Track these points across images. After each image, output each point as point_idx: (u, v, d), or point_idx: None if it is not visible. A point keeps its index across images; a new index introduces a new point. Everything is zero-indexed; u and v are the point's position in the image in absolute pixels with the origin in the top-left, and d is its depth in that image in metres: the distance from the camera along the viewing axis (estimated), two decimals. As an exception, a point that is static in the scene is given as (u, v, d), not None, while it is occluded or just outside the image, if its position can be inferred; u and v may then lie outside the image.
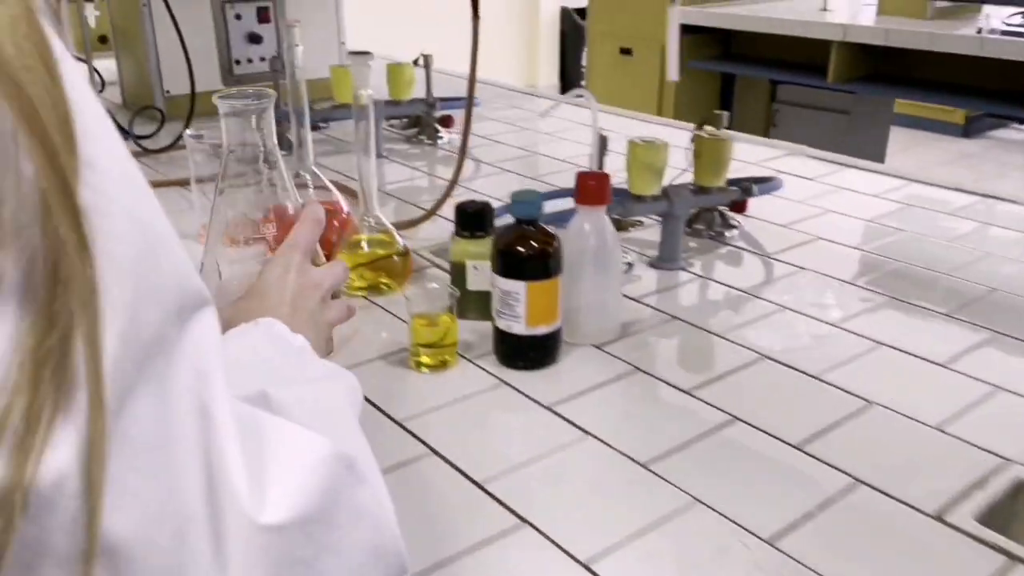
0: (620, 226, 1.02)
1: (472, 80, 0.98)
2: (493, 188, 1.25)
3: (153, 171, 1.38)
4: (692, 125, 1.06)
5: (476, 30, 0.95)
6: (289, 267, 0.63)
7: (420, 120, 1.55)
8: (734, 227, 1.09)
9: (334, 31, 1.82)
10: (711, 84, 3.96)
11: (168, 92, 1.65)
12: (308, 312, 0.62)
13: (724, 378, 0.76)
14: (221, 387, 0.35)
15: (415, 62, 1.51)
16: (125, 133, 1.51)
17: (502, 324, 0.77)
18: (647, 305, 0.90)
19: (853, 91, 3.37)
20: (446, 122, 1.54)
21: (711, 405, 0.72)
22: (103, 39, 2.24)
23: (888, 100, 3.67)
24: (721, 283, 0.96)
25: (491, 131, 1.61)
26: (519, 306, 0.75)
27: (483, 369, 0.78)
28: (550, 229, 0.76)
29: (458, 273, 0.85)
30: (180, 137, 1.42)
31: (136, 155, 1.44)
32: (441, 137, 1.54)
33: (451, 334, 0.78)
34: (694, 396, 0.73)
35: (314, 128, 1.51)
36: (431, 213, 1.06)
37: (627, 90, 3.99)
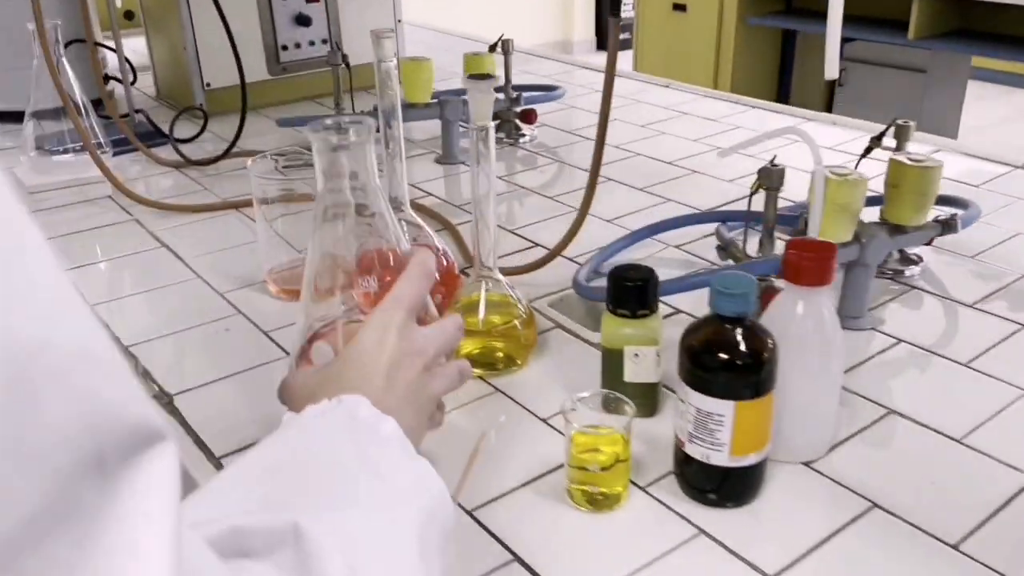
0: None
1: (607, 103, 0.76)
2: (615, 207, 1.03)
3: (200, 187, 1.19)
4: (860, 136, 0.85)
5: (615, 36, 0.74)
6: (389, 328, 0.54)
7: (498, 115, 1.34)
8: (915, 262, 0.89)
9: (389, 6, 1.60)
10: (771, 41, 3.68)
11: (209, 85, 1.45)
12: (407, 384, 0.53)
13: (997, 517, 0.57)
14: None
15: (492, 48, 1.29)
16: (165, 138, 1.31)
17: (696, 452, 0.57)
18: (850, 391, 0.70)
19: (933, 47, 3.10)
20: (528, 117, 1.33)
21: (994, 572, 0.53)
22: (129, 15, 2.03)
23: (967, 56, 3.39)
24: (932, 351, 0.76)
25: (578, 124, 1.40)
26: (722, 432, 0.56)
27: (665, 506, 0.59)
28: (761, 325, 0.56)
29: (611, 362, 0.66)
30: (230, 149, 1.21)
31: (178, 166, 1.25)
32: (523, 135, 1.33)
33: (625, 460, 0.58)
34: (967, 555, 0.54)
35: (378, 128, 1.30)
36: (555, 254, 0.85)
37: (679, 51, 3.72)
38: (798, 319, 0.59)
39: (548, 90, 1.40)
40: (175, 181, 1.22)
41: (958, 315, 0.82)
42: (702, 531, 0.56)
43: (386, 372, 0.52)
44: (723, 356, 0.55)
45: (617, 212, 1.05)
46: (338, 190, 0.60)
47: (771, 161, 0.74)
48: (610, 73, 0.76)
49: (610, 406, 0.60)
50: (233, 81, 1.24)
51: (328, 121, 0.60)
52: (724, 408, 0.55)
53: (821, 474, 0.61)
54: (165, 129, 1.33)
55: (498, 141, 1.33)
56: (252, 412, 0.70)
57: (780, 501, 0.59)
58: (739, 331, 0.55)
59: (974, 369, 0.73)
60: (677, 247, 0.96)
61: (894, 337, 0.78)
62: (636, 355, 0.65)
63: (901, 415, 0.67)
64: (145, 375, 0.76)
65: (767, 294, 0.76)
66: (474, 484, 0.61)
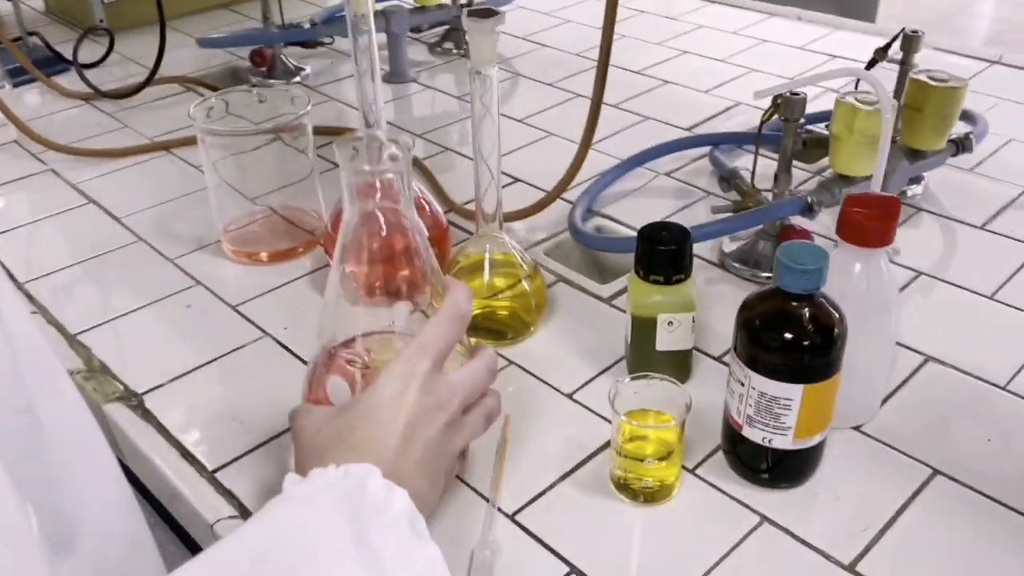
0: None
1: (609, 28, 0.68)
2: (617, 145, 0.94)
3: (118, 123, 1.05)
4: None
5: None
6: (411, 380, 0.48)
7: (447, 23, 1.22)
8: (917, 181, 0.84)
9: None
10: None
11: (108, -4, 1.27)
12: (425, 444, 0.48)
13: (1058, 479, 0.55)
14: None
15: (434, -54, 1.16)
16: (67, 64, 1.15)
17: (755, 436, 0.52)
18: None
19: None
20: (479, 25, 1.21)
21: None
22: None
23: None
24: (954, 284, 0.72)
25: (531, 27, 1.29)
26: (788, 416, 0.51)
27: (720, 491, 0.54)
28: (829, 298, 0.50)
29: (642, 330, 0.60)
30: (152, 77, 1.07)
31: (87, 99, 1.10)
32: (475, 45, 1.21)
33: (679, 449, 0.53)
34: (1041, 524, 0.52)
35: (312, 45, 1.17)
36: (555, 196, 0.77)
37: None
38: (855, 279, 0.54)
39: (495, -9, 1.28)
40: (86, 117, 1.07)
41: (970, 240, 0.78)
42: (765, 518, 0.52)
43: (403, 432, 0.47)
44: (791, 337, 0.49)
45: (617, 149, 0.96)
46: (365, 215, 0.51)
47: (791, 91, 0.67)
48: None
49: (660, 391, 0.54)
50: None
51: (354, 138, 0.51)
52: (792, 392, 0.50)
53: (873, 439, 0.58)
54: (64, 52, 1.17)
55: (447, 52, 1.21)
56: (236, 410, 0.62)
57: (837, 476, 0.55)
58: (807, 308, 0.49)
59: (999, 302, 0.70)
60: (668, 175, 0.90)
61: (913, 269, 0.74)
62: (670, 323, 0.59)
63: (940, 361, 0.64)
64: (103, 370, 0.66)
65: (787, 237, 0.71)
66: (509, 480, 0.55)
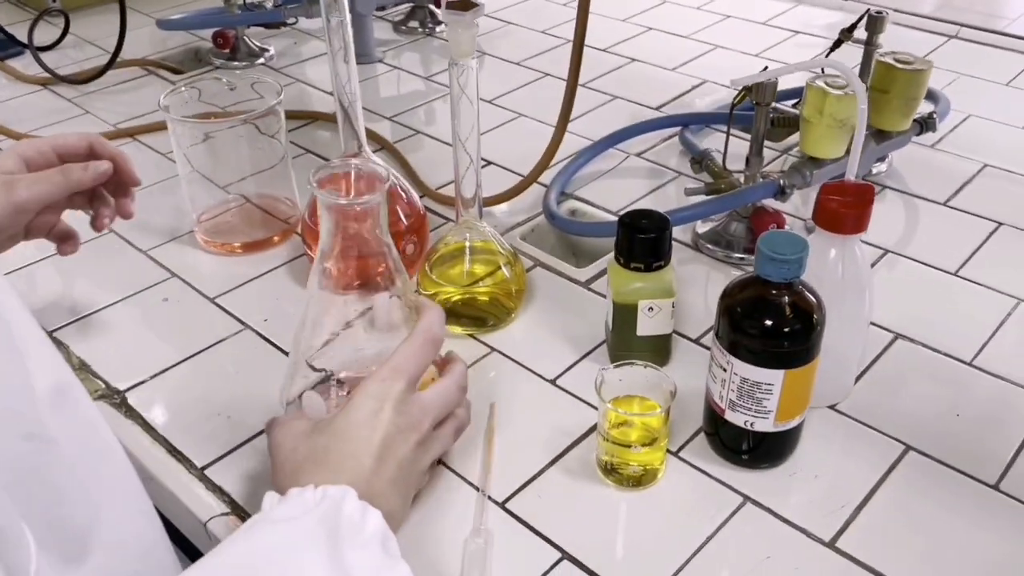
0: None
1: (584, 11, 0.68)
2: (595, 125, 0.94)
3: (78, 109, 1.02)
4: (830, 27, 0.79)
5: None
6: (385, 401, 0.50)
7: (415, 7, 1.21)
8: (881, 158, 0.86)
9: None
10: None
11: (58, -26, 1.23)
12: (398, 463, 0.49)
13: None
14: None
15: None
16: (22, 46, 1.12)
17: (738, 420, 0.54)
18: (853, 317, 0.68)
19: None
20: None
21: (1037, 510, 0.53)
22: None
23: None
24: (920, 261, 0.74)
25: (493, 2, 1.28)
26: (769, 400, 0.52)
27: (704, 473, 0.56)
28: (808, 285, 0.52)
29: (623, 316, 0.61)
30: (113, 62, 1.04)
31: (45, 84, 1.07)
32: (441, 23, 1.21)
33: (663, 434, 0.55)
34: (1009, 495, 0.54)
35: (277, 26, 1.16)
36: (532, 180, 0.78)
37: None
38: (830, 264, 0.56)
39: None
40: (45, 103, 1.05)
41: (934, 216, 0.81)
42: (748, 498, 0.54)
43: (377, 452, 0.48)
44: (771, 324, 0.51)
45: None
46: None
47: (764, 69, 0.68)
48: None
49: (645, 377, 0.55)
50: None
51: (334, 168, 0.52)
52: (773, 377, 0.51)
53: (848, 417, 0.60)
54: (17, 35, 1.14)
55: (411, 31, 1.20)
56: (219, 403, 0.62)
57: (815, 455, 0.57)
58: (787, 296, 0.51)
59: (964, 278, 0.73)
60: (639, 155, 0.90)
61: (880, 247, 0.76)
62: (651, 309, 0.60)
63: (908, 339, 0.66)
64: (83, 367, 0.65)
65: (759, 218, 0.73)
66: (497, 469, 0.56)
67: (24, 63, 1.11)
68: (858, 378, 0.63)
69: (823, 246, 0.55)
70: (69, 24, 1.16)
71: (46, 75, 1.06)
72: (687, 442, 0.58)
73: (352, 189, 0.55)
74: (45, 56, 1.08)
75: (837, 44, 0.81)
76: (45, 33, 1.15)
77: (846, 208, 0.53)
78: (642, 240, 0.59)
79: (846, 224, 0.53)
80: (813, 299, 0.52)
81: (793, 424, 0.54)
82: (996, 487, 0.55)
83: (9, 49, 1.14)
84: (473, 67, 0.58)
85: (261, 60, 1.12)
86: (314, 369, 0.56)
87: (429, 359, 0.53)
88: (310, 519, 0.43)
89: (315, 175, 0.51)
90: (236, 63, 1.11)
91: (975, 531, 0.52)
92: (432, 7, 1.20)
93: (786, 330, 0.51)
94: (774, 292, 0.51)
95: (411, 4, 1.20)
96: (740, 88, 0.71)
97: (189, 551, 0.58)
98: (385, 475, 0.48)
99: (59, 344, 0.68)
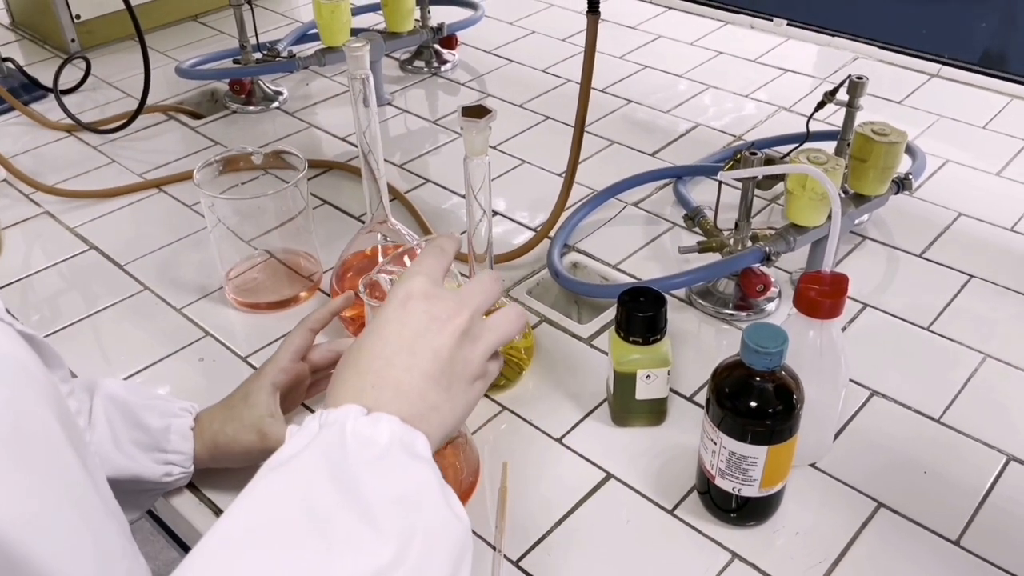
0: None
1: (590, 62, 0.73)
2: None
3: (104, 157, 1.08)
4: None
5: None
6: (411, 293, 0.47)
7: (421, 48, 1.26)
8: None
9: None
10: None
11: (79, 18, 1.28)
12: (435, 353, 0.46)
13: (986, 504, 0.63)
14: None
15: (402, -34, 1.19)
16: (45, 90, 1.17)
17: (727, 486, 0.60)
18: (833, 374, 0.74)
19: None
20: (449, 43, 1.26)
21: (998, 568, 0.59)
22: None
23: None
24: (896, 316, 0.80)
25: (497, 40, 1.33)
26: (755, 470, 0.59)
27: (699, 532, 0.62)
28: (790, 369, 0.58)
29: (623, 382, 0.67)
30: (140, 110, 1.09)
31: (70, 130, 1.13)
32: (446, 62, 1.26)
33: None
34: (968, 551, 0.61)
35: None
36: (543, 236, 0.83)
37: None
38: (809, 342, 0.62)
39: (466, 5, 1.31)
40: (72, 150, 1.10)
41: (910, 269, 0.87)
42: (735, 555, 0.61)
43: (408, 344, 0.46)
44: (755, 406, 0.57)
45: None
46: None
47: (751, 147, 0.74)
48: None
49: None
50: (105, 10, 1.11)
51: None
52: (758, 452, 0.58)
53: (827, 474, 0.66)
54: (39, 78, 1.19)
55: (417, 71, 1.25)
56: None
57: (796, 512, 0.63)
58: (769, 383, 0.57)
59: (935, 332, 0.79)
60: (635, 205, 0.96)
61: (860, 301, 0.82)
62: (648, 376, 0.67)
63: (884, 396, 0.73)
64: (129, 429, 0.71)
65: (747, 279, 0.79)
66: (511, 526, 0.62)
67: (46, 107, 1.17)
68: (837, 434, 0.69)
69: (803, 328, 0.62)
70: (90, 67, 1.21)
71: (71, 122, 1.11)
72: (682, 500, 0.65)
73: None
74: (67, 99, 1.14)
75: (821, 105, 0.87)
76: (66, 74, 1.20)
77: (823, 297, 0.59)
78: (639, 318, 0.65)
79: (822, 310, 0.60)
80: (793, 381, 0.58)
81: (776, 489, 0.61)
82: (957, 543, 0.61)
83: (33, 92, 1.19)
84: (487, 162, 0.64)
85: (276, 104, 1.17)
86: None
87: (443, 266, 0.51)
88: (310, 453, 0.41)
89: (365, 283, 0.56)
90: (252, 108, 1.16)
91: (937, 585, 0.59)
92: (437, 47, 1.25)
93: (769, 411, 0.57)
94: (758, 379, 0.57)
95: (417, 44, 1.25)
96: (730, 160, 0.77)
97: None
98: (419, 368, 0.45)
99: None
